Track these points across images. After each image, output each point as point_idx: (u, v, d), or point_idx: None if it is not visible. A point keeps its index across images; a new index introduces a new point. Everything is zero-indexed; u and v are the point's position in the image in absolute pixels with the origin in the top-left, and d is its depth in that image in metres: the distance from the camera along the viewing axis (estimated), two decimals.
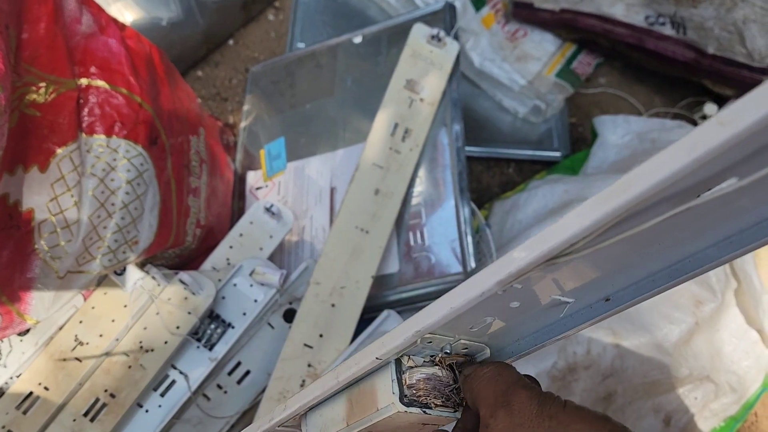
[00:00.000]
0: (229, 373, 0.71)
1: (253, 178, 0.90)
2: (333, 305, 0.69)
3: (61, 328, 0.66)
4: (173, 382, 0.68)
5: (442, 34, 0.79)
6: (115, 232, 0.63)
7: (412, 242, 0.75)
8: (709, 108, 0.98)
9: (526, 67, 1.02)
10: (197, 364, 0.68)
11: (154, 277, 0.68)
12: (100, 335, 0.66)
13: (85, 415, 0.64)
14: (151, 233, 0.67)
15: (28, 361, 0.65)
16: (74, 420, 0.64)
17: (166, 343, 0.66)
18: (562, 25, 1.02)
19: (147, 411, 0.67)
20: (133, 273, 0.68)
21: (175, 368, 0.68)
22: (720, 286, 0.71)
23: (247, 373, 0.71)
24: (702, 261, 0.23)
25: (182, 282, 0.67)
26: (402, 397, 0.29)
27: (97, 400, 0.65)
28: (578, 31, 1.01)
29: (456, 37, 0.81)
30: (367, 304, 0.70)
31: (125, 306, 0.67)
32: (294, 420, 0.36)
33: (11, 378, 0.65)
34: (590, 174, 0.93)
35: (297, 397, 0.34)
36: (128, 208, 0.64)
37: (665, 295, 0.70)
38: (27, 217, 0.58)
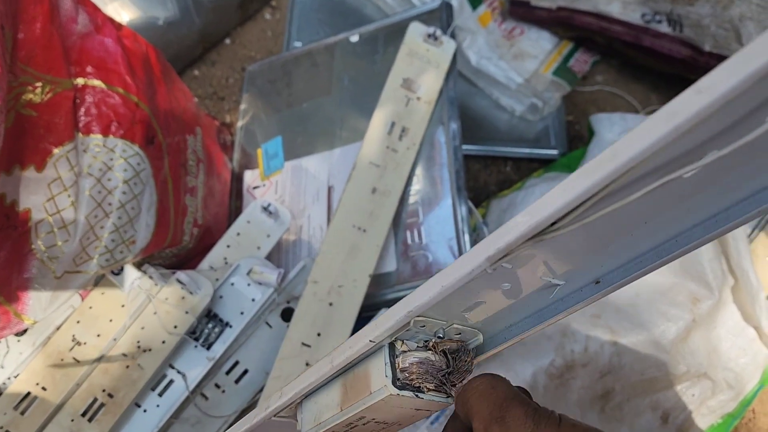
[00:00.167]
0: (227, 373, 0.71)
1: (250, 177, 0.90)
2: (331, 304, 0.69)
3: (58, 329, 0.66)
4: (171, 381, 0.68)
5: (438, 32, 0.79)
6: (112, 232, 0.63)
7: (409, 241, 0.75)
8: None
9: (522, 65, 1.02)
10: (195, 364, 0.68)
11: (151, 277, 0.68)
12: (98, 335, 0.66)
13: (83, 415, 0.64)
14: (148, 233, 0.67)
15: (26, 362, 0.65)
16: (72, 420, 0.64)
17: (163, 342, 0.66)
18: (559, 23, 1.02)
19: (145, 411, 0.67)
20: (131, 273, 0.68)
21: (173, 368, 0.68)
22: (717, 283, 0.71)
23: (245, 372, 0.71)
24: (688, 239, 0.24)
25: (180, 281, 0.67)
26: (395, 380, 0.29)
27: (95, 400, 0.65)
28: (575, 29, 1.02)
29: (453, 36, 0.81)
30: (364, 302, 0.70)
31: (123, 306, 0.67)
32: (290, 410, 0.36)
33: (9, 378, 0.65)
34: None
35: (293, 383, 0.34)
36: (125, 208, 0.64)
37: (662, 293, 0.71)
38: (24, 217, 0.58)
